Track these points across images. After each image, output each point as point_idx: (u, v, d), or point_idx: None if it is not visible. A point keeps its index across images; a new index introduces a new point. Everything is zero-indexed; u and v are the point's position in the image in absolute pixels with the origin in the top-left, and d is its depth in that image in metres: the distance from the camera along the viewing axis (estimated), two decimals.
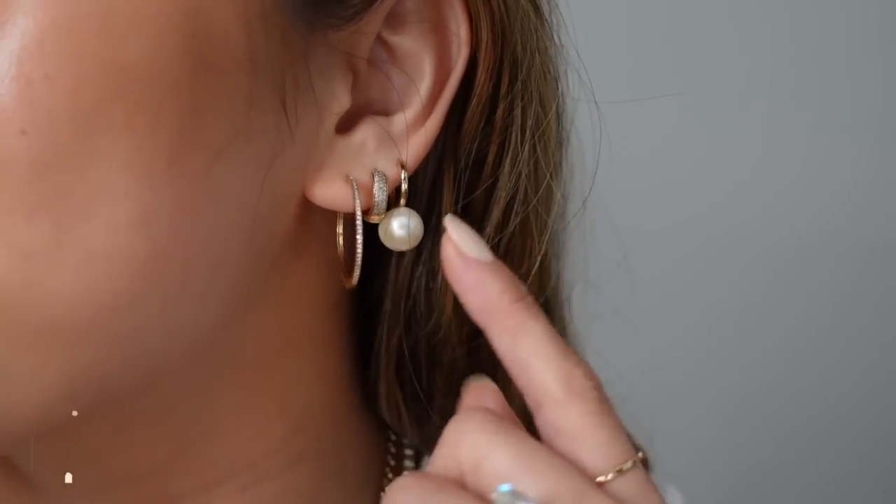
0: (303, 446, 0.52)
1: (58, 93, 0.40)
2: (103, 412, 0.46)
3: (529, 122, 0.49)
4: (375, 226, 0.48)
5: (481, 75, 0.47)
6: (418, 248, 0.50)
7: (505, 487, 0.39)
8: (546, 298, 0.54)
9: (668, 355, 0.96)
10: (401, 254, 0.51)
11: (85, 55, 0.40)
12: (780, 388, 1.01)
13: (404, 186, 0.48)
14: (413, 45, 0.48)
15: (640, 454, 0.41)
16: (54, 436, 0.47)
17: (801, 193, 0.99)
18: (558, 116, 0.51)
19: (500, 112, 0.48)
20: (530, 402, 0.42)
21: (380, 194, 0.47)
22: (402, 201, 0.48)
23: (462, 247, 0.43)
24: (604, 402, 0.41)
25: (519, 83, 0.48)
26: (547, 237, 0.51)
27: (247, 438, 0.51)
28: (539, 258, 0.51)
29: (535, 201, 0.49)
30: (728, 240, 0.99)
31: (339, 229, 0.48)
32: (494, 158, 0.49)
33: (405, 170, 0.48)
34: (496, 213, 0.49)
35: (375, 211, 0.47)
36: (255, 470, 0.51)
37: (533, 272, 0.51)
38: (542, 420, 0.41)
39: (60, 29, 0.40)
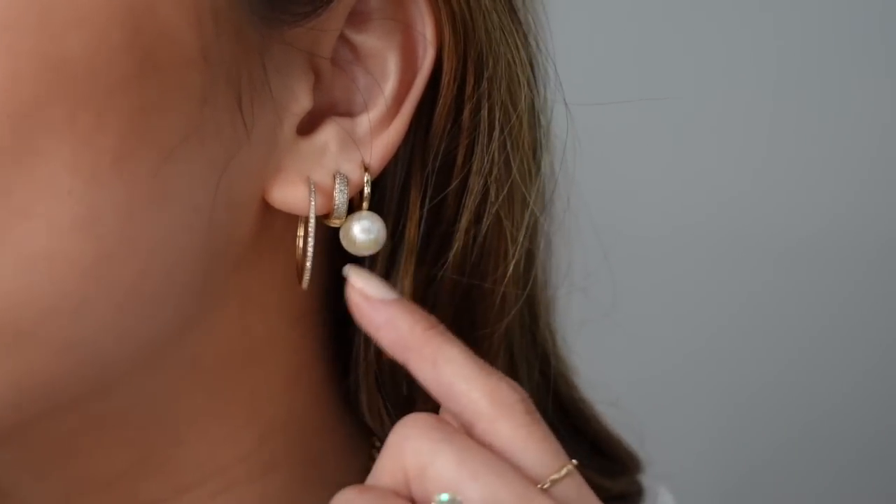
0: (275, 453, 0.51)
1: None
2: (56, 417, 0.45)
3: (497, 124, 0.47)
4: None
5: (445, 76, 0.46)
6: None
7: (444, 497, 0.39)
8: (529, 303, 0.53)
9: (667, 358, 0.95)
10: (373, 259, 0.49)
11: (21, 52, 0.39)
12: (781, 390, 1.00)
13: (367, 190, 0.47)
14: (378, 45, 0.46)
15: (573, 463, 0.42)
16: (11, 442, 0.46)
17: (803, 195, 0.98)
18: (532, 118, 0.49)
19: (466, 113, 0.47)
20: (463, 423, 0.43)
21: (340, 197, 0.46)
22: (365, 205, 0.47)
23: (367, 290, 0.45)
24: (532, 412, 0.42)
25: (485, 83, 0.47)
26: (523, 240, 0.50)
27: (214, 444, 0.50)
28: (513, 261, 0.50)
29: (500, 203, 0.48)
30: (730, 242, 0.99)
31: (300, 232, 0.47)
32: (463, 160, 0.48)
33: (368, 172, 0.46)
34: (466, 216, 0.48)
35: (336, 215, 0.46)
36: (225, 476, 0.50)
37: (508, 275, 0.50)
38: (476, 439, 0.42)
39: None
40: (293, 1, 0.44)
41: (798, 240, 0.98)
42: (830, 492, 1.00)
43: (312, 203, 0.45)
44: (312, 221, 0.46)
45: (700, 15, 0.94)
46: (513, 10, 0.48)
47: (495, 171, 0.48)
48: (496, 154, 0.47)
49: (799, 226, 0.99)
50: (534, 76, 0.50)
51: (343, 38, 0.46)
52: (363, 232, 0.47)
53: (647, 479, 0.60)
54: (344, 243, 0.47)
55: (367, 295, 0.45)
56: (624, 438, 0.59)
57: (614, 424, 0.58)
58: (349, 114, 0.47)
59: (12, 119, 0.39)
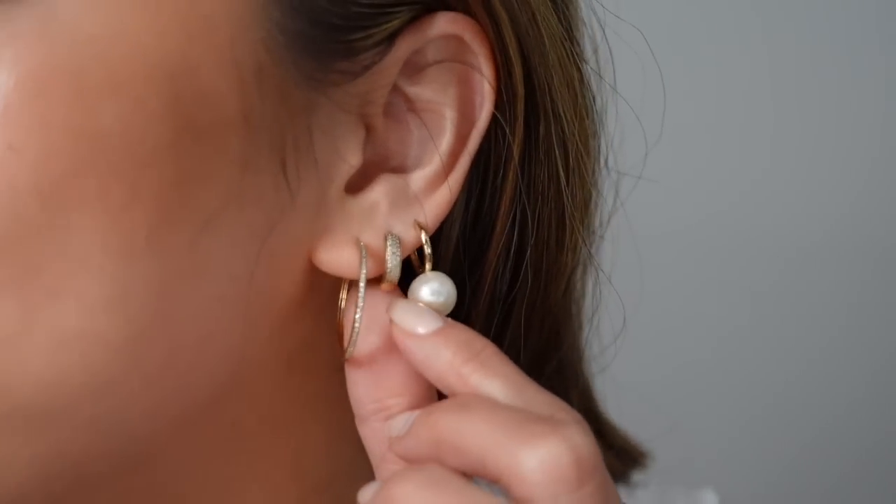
0: None
1: (23, 164, 0.37)
2: (85, 494, 0.43)
3: (570, 160, 0.45)
4: None
5: (517, 127, 0.43)
6: None
7: None
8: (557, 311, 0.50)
9: (669, 360, 0.93)
10: None
11: (53, 123, 0.37)
12: (794, 393, 0.99)
13: (427, 250, 0.44)
14: (433, 97, 0.43)
15: None
16: None
17: (811, 196, 0.96)
18: (594, 145, 0.47)
19: (540, 157, 0.44)
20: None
21: (392, 259, 0.43)
22: (428, 266, 0.44)
23: (408, 328, 0.42)
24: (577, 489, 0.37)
25: (552, 126, 0.44)
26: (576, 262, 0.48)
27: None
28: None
29: (558, 231, 0.46)
30: (737, 244, 0.97)
31: (343, 294, 0.44)
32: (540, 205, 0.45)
33: (425, 231, 0.44)
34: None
35: (388, 278, 0.43)
36: None
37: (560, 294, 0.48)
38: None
39: (27, 94, 0.36)
40: (344, 60, 0.41)
41: (807, 241, 0.96)
42: (842, 491, 0.99)
43: (363, 269, 0.42)
44: (363, 289, 0.43)
45: (702, 16, 0.93)
46: (567, 48, 0.45)
47: (568, 204, 0.45)
48: (564, 186, 0.45)
49: (807, 226, 0.97)
50: (594, 104, 0.47)
51: (396, 89, 0.43)
52: (433, 294, 0.43)
53: (688, 485, 0.59)
54: None
55: (408, 333, 0.42)
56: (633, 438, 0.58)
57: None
58: (401, 168, 0.44)
59: (42, 194, 0.37)
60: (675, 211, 0.91)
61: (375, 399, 0.43)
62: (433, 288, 0.43)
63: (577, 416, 0.39)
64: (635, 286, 0.51)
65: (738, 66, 0.95)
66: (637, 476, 0.58)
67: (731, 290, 0.96)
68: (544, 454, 0.37)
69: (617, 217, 0.51)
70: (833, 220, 0.96)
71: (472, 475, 0.39)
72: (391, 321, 0.43)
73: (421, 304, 0.43)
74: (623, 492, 0.58)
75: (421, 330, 0.42)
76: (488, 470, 0.38)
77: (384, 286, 0.43)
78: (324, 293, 0.45)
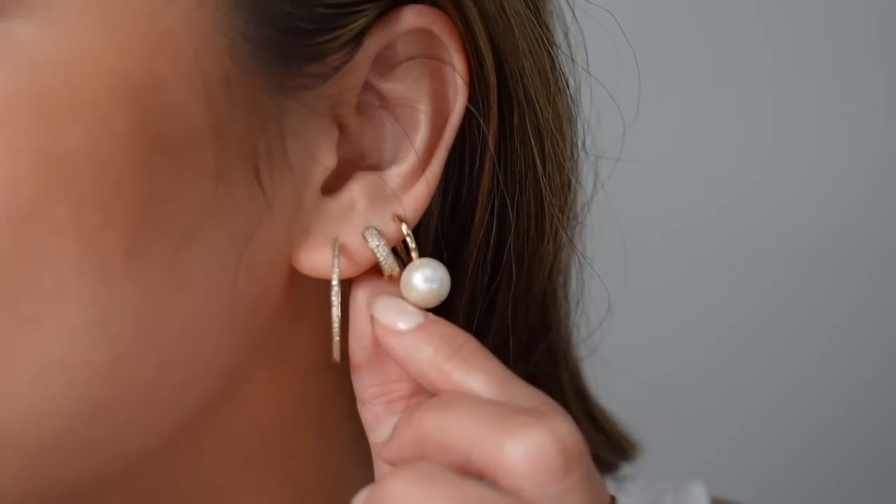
0: None
1: None
2: None
3: (545, 145, 0.44)
4: None
5: (490, 118, 0.43)
6: None
7: None
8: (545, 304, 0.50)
9: (671, 361, 0.93)
10: None
11: (18, 149, 0.36)
12: (791, 393, 0.98)
13: (411, 243, 0.43)
14: (406, 92, 0.43)
15: None
16: None
17: (813, 194, 0.95)
18: (570, 130, 0.46)
19: (515, 146, 0.44)
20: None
21: (381, 251, 0.42)
22: (414, 255, 0.43)
23: (390, 324, 0.41)
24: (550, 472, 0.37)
25: (526, 113, 0.43)
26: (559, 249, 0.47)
27: None
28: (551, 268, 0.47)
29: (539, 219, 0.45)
30: (738, 243, 0.96)
31: (335, 300, 0.43)
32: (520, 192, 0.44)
33: (406, 224, 0.43)
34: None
35: (386, 270, 0.43)
36: None
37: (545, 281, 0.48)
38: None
39: None
40: (311, 63, 0.40)
41: (806, 240, 0.96)
42: (840, 490, 0.99)
43: (336, 269, 0.42)
44: (336, 286, 0.42)
45: (703, 15, 0.92)
46: (536, 34, 0.44)
47: (547, 194, 0.45)
48: (542, 174, 0.44)
49: (807, 226, 0.96)
50: (567, 88, 0.46)
51: (368, 87, 0.42)
52: (426, 282, 0.43)
53: (677, 479, 0.59)
54: (405, 297, 0.43)
55: (389, 329, 0.42)
56: (628, 435, 0.58)
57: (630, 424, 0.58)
58: (377, 165, 0.43)
59: (13, 222, 0.36)
60: (661, 194, 0.90)
61: (377, 383, 0.43)
62: (426, 275, 0.43)
63: (561, 409, 0.39)
64: (620, 271, 0.51)
65: (736, 64, 0.94)
66: (626, 467, 0.58)
67: (722, 275, 0.95)
68: (529, 444, 0.36)
69: (600, 201, 0.50)
70: (834, 221, 0.96)
71: (461, 472, 0.38)
72: (371, 318, 0.42)
73: (401, 300, 0.43)
74: (612, 485, 0.58)
75: (402, 326, 0.41)
76: (475, 464, 0.37)
77: (387, 277, 0.43)
78: (305, 295, 0.44)
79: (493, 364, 0.40)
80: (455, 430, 0.38)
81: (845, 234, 0.95)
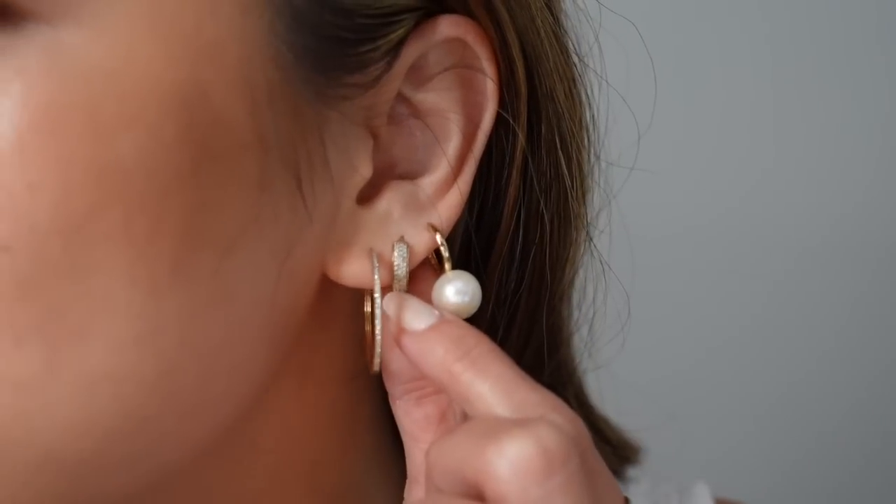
0: None
1: (42, 204, 0.35)
2: None
3: (570, 152, 0.45)
4: None
5: (520, 125, 0.43)
6: None
7: None
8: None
9: (674, 361, 0.93)
10: None
11: (71, 159, 0.35)
12: (801, 394, 0.99)
13: (445, 252, 0.43)
14: (437, 102, 0.43)
15: None
16: None
17: (814, 200, 0.96)
18: (588, 137, 0.47)
19: (542, 154, 0.44)
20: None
21: (400, 268, 0.42)
22: (448, 266, 0.43)
23: (404, 324, 0.41)
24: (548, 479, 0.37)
25: (555, 124, 0.44)
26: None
27: None
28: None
29: (563, 228, 0.46)
30: (741, 244, 0.97)
31: (367, 307, 0.43)
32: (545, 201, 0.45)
33: (440, 233, 0.43)
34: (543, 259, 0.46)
35: (396, 286, 0.43)
36: None
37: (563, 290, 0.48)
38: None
39: (41, 132, 0.35)
40: (353, 73, 0.40)
41: (810, 246, 0.97)
42: (840, 490, 1.00)
43: (377, 278, 0.42)
44: (378, 298, 0.42)
45: (704, 15, 0.92)
46: (562, 44, 0.45)
47: (562, 198, 0.45)
48: (568, 183, 0.45)
49: (810, 231, 0.97)
50: (589, 103, 0.47)
51: (400, 97, 0.42)
52: (458, 294, 0.43)
53: (681, 480, 0.59)
54: (436, 308, 0.43)
55: (403, 329, 0.42)
56: (627, 432, 0.58)
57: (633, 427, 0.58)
58: (410, 174, 0.43)
59: (64, 234, 0.36)
60: (670, 203, 0.91)
61: (408, 379, 0.43)
62: (458, 287, 0.43)
63: (570, 413, 0.39)
64: (627, 276, 0.51)
65: (736, 65, 0.94)
66: (631, 471, 0.59)
67: (724, 280, 0.96)
68: (511, 451, 0.36)
69: (611, 210, 0.50)
70: (835, 222, 0.96)
71: (468, 497, 0.38)
72: (382, 315, 0.42)
73: (415, 298, 0.42)
74: None
75: (415, 325, 0.41)
76: (468, 481, 0.38)
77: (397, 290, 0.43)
78: (335, 304, 0.44)
79: (503, 367, 0.40)
80: (449, 451, 0.38)
81: (848, 238, 0.96)
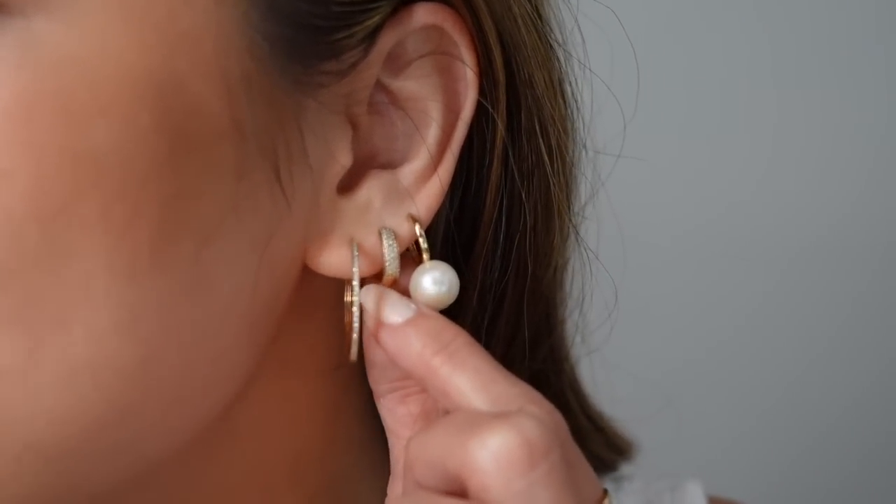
0: None
1: (17, 190, 0.35)
2: None
3: (552, 144, 0.45)
4: None
5: (498, 113, 0.43)
6: None
7: None
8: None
9: (673, 361, 0.93)
10: None
11: (45, 147, 0.36)
12: (798, 391, 0.99)
13: (423, 243, 0.43)
14: (416, 89, 0.43)
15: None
16: None
17: (812, 194, 0.96)
18: (571, 130, 0.47)
19: (523, 143, 0.44)
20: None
21: (390, 253, 0.42)
22: (426, 257, 0.43)
23: (382, 317, 0.42)
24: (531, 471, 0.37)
25: (534, 112, 0.44)
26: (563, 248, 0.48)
27: None
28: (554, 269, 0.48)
29: (547, 218, 0.46)
30: (739, 245, 0.97)
31: (348, 297, 0.43)
32: (526, 191, 0.45)
33: (419, 224, 0.43)
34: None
35: (388, 273, 0.43)
36: None
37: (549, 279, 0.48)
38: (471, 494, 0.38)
39: (13, 120, 0.35)
40: (329, 60, 0.40)
41: (807, 240, 0.97)
42: (840, 485, 1.00)
43: (356, 268, 0.42)
44: (356, 286, 0.42)
45: (704, 16, 0.93)
46: (539, 31, 0.45)
47: (547, 188, 0.45)
48: (549, 170, 0.45)
49: (808, 226, 0.97)
50: (571, 92, 0.47)
51: (379, 85, 0.43)
52: (435, 284, 0.43)
53: (673, 478, 0.59)
54: (414, 298, 0.43)
55: (381, 321, 0.42)
56: (624, 435, 0.58)
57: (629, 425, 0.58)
58: (390, 163, 0.43)
59: (41, 222, 0.36)
60: (662, 193, 0.91)
61: (392, 378, 0.43)
62: (435, 277, 0.43)
63: (549, 406, 0.39)
64: (619, 269, 0.51)
65: (737, 65, 0.94)
66: (626, 467, 0.58)
67: (722, 274, 0.96)
68: (493, 443, 0.37)
69: (600, 199, 0.50)
70: (833, 217, 0.96)
71: (450, 492, 0.38)
72: (361, 308, 0.42)
73: (392, 292, 0.43)
74: (610, 485, 0.58)
75: (392, 319, 0.42)
76: (450, 474, 0.38)
77: (386, 280, 0.43)
78: (314, 294, 0.44)
79: (481, 360, 0.40)
80: (430, 444, 0.38)
81: (846, 234, 0.96)
